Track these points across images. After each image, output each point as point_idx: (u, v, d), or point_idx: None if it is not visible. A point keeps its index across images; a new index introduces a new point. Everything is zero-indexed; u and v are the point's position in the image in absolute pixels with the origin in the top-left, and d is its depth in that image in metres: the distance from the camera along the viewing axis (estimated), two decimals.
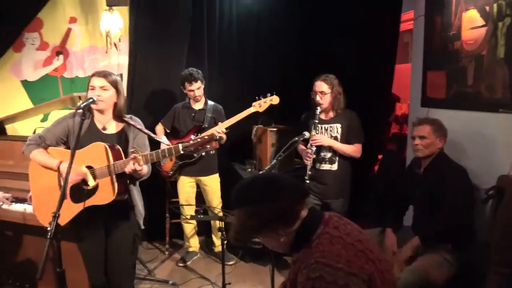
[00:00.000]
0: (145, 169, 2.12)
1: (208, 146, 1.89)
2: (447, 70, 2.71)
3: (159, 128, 3.37)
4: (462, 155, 2.49)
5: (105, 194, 2.00)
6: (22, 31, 3.61)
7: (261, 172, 3.10)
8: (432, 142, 2.33)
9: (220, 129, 3.05)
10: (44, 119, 3.61)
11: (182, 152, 1.93)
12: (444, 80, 2.74)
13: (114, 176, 1.98)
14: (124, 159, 2.02)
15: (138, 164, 1.96)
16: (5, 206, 2.57)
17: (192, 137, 1.94)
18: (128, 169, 1.95)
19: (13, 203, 2.58)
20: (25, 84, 3.69)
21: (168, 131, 3.37)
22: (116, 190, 1.97)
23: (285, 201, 1.22)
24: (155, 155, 1.98)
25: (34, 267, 2.73)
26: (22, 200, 2.59)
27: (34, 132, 3.04)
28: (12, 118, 3.19)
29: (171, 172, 3.30)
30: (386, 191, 3.52)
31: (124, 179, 2.03)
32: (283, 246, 1.28)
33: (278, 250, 1.33)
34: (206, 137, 1.88)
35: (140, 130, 2.17)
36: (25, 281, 2.68)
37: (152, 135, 2.20)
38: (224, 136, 3.12)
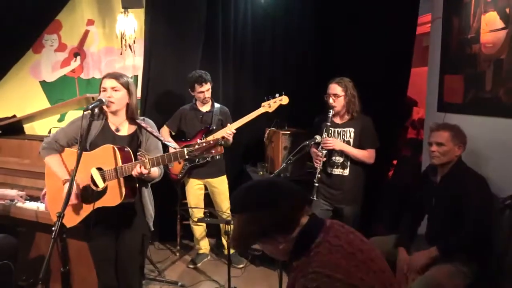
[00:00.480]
0: (156, 172, 2.13)
1: (213, 151, 1.88)
2: (465, 74, 2.62)
3: (164, 130, 3.36)
4: (479, 162, 2.39)
5: (113, 197, 2.01)
6: (42, 32, 3.70)
7: (272, 175, 3.09)
8: (450, 150, 2.24)
9: (230, 130, 3.05)
10: (60, 119, 3.70)
11: (187, 156, 1.92)
12: (461, 85, 2.65)
13: (122, 179, 1.99)
14: (134, 161, 2.03)
15: (145, 168, 1.96)
16: (19, 204, 2.64)
17: (198, 141, 1.93)
18: (135, 172, 1.95)
19: (27, 201, 2.64)
20: (44, 84, 3.79)
21: (173, 133, 3.38)
22: (123, 193, 1.98)
23: (284, 208, 1.19)
24: (161, 159, 1.98)
25: (48, 264, 2.78)
26: (36, 199, 2.65)
27: (49, 132, 3.11)
28: (30, 118, 3.26)
29: (180, 175, 3.32)
30: (400, 198, 3.43)
31: (132, 182, 2.03)
32: (283, 253, 1.25)
33: (278, 257, 1.30)
34: (212, 142, 1.87)
35: (151, 133, 2.17)
36: (38, 278, 2.73)
37: (162, 139, 2.19)
38: (231, 138, 3.12)
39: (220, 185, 3.35)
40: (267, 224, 1.18)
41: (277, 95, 3.11)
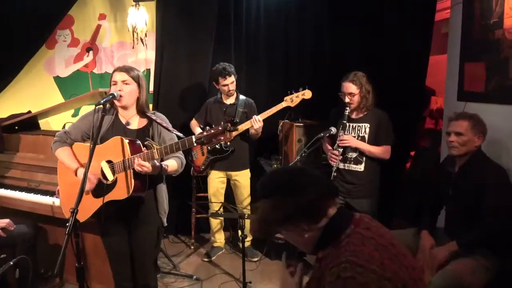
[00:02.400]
0: (175, 164, 2.12)
1: (222, 137, 1.85)
2: (487, 61, 2.51)
3: (193, 123, 3.39)
4: (502, 153, 2.31)
5: (122, 190, 2.00)
6: (55, 28, 3.70)
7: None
8: (469, 140, 2.16)
9: (257, 120, 3.02)
10: (75, 114, 3.72)
11: (195, 144, 1.90)
12: (483, 72, 2.54)
13: (131, 172, 1.97)
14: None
15: (152, 158, 1.94)
16: (36, 199, 2.66)
17: (207, 128, 1.90)
18: (136, 166, 1.91)
19: (40, 195, 2.65)
20: (57, 80, 3.80)
21: (201, 126, 3.36)
22: (132, 186, 1.96)
23: (310, 195, 1.16)
24: (169, 148, 1.96)
25: (64, 258, 2.82)
26: (52, 193, 2.67)
27: (63, 127, 3.13)
28: (45, 113, 3.30)
29: (203, 167, 3.31)
30: (419, 190, 3.35)
31: (142, 176, 2.01)
32: (307, 242, 1.22)
33: (301, 247, 1.27)
34: (220, 128, 1.84)
35: (165, 128, 2.14)
36: (53, 272, 2.78)
37: (176, 132, 2.15)
38: (260, 129, 3.10)
39: (243, 178, 3.33)
40: (292, 211, 1.16)
41: (300, 88, 3.04)
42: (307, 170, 1.27)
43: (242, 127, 3.14)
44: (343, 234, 1.16)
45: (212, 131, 1.85)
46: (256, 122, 3.04)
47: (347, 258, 1.07)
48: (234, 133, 3.15)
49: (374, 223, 1.21)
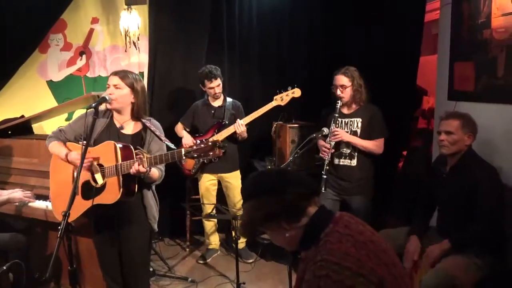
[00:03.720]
0: (156, 173, 2.11)
1: (211, 153, 1.85)
2: (476, 61, 2.54)
3: (179, 127, 3.38)
4: (491, 152, 2.33)
5: (111, 194, 2.01)
6: (48, 32, 3.70)
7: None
8: (460, 139, 2.18)
9: (240, 124, 3.05)
10: (68, 118, 3.72)
11: (184, 157, 1.91)
12: (472, 72, 2.57)
13: (121, 177, 1.97)
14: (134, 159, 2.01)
15: (143, 166, 1.94)
16: (29, 203, 2.66)
17: (198, 141, 1.91)
18: (133, 170, 1.93)
19: (36, 200, 2.65)
20: (51, 84, 3.80)
21: (188, 129, 3.37)
22: (121, 191, 1.97)
23: (290, 195, 1.20)
24: (158, 159, 1.96)
25: (59, 262, 2.81)
26: (46, 198, 2.66)
27: None
28: (38, 117, 3.28)
29: (193, 170, 3.31)
30: (412, 190, 3.37)
31: (131, 181, 2.01)
32: (290, 242, 1.25)
33: (285, 247, 1.30)
34: (210, 143, 1.85)
35: (158, 137, 2.14)
36: (46, 276, 2.76)
37: (168, 142, 2.14)
38: (245, 133, 3.12)
39: (234, 180, 3.33)
40: (272, 210, 1.20)
41: (289, 87, 3.07)
42: (289, 171, 1.33)
43: (225, 133, 3.16)
44: (322, 233, 1.18)
45: (202, 145, 1.85)
46: (239, 127, 3.07)
47: (322, 257, 1.10)
48: (219, 137, 3.15)
49: (353, 220, 1.24)
